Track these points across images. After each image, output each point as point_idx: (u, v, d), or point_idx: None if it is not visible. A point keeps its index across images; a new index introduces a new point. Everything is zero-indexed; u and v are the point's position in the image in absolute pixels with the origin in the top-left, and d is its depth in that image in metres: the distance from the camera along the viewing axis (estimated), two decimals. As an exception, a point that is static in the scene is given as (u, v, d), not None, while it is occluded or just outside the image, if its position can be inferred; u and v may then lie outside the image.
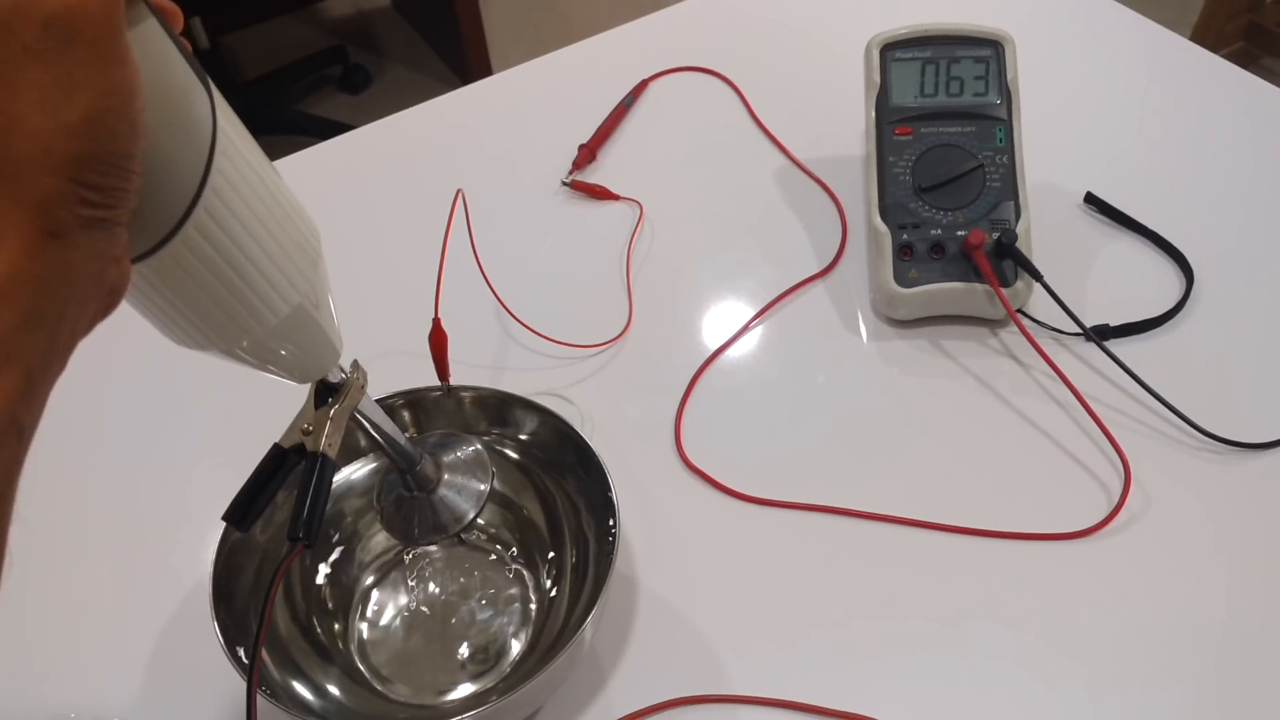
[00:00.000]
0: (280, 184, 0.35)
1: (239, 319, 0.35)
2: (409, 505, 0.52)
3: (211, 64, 2.23)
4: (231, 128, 0.32)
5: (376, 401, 0.57)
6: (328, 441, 0.42)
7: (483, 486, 0.53)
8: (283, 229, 0.35)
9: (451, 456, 0.53)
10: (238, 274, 0.33)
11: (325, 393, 0.43)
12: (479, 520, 0.63)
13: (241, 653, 0.49)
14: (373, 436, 0.47)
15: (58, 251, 0.25)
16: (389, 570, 0.62)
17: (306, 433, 0.42)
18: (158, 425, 0.72)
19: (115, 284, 0.28)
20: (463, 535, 0.52)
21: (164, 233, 0.30)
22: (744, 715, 0.56)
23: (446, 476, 0.52)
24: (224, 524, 0.43)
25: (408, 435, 0.50)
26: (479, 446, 0.54)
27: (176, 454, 0.70)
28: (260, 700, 0.48)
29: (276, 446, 0.43)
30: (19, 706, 0.58)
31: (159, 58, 0.28)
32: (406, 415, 0.61)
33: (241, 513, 0.42)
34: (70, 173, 0.24)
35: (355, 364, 0.45)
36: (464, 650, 0.59)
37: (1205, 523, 0.63)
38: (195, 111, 0.30)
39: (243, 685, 0.47)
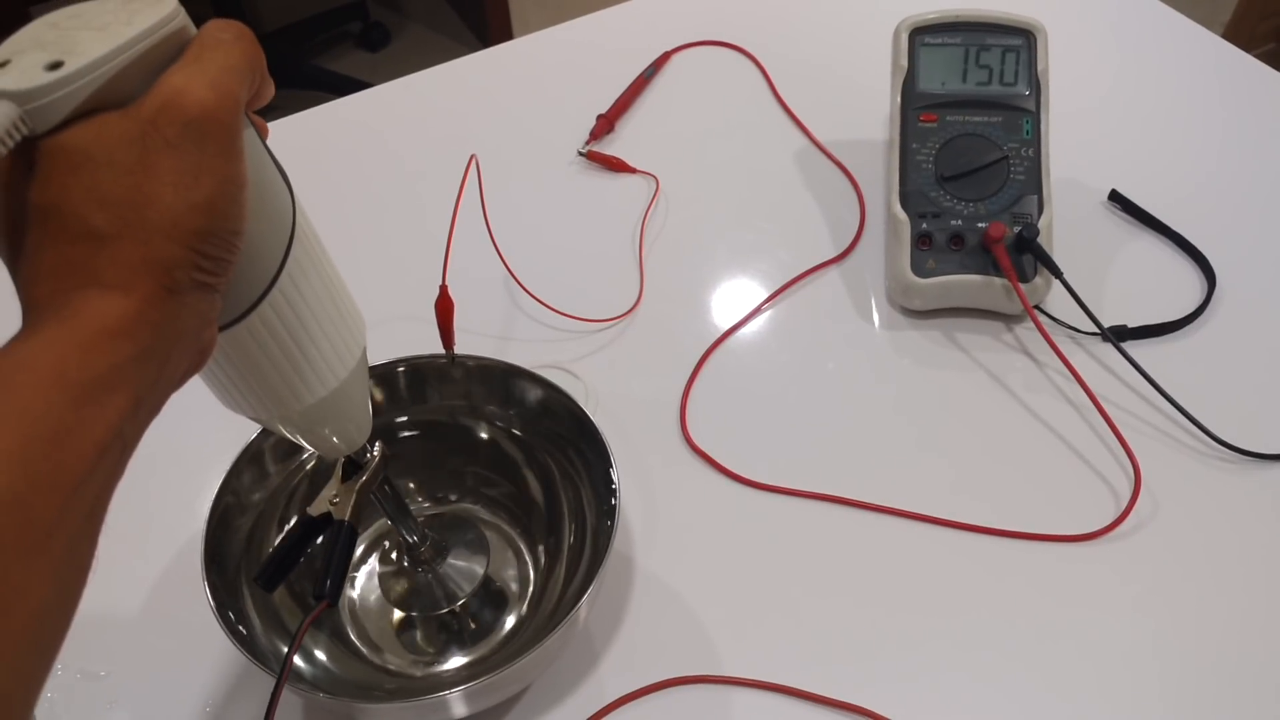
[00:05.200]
0: (338, 276, 0.40)
1: (294, 389, 0.39)
2: (407, 576, 0.58)
3: (231, 15, 2.20)
4: (306, 222, 0.37)
5: (378, 366, 0.58)
6: (352, 513, 0.47)
7: (479, 570, 0.58)
8: (340, 314, 0.40)
9: (453, 537, 0.59)
10: (299, 348, 0.38)
11: (351, 468, 0.48)
12: (479, 491, 0.63)
13: (231, 615, 0.50)
14: (388, 512, 0.53)
15: (172, 305, 0.30)
16: (382, 540, 0.61)
17: (333, 503, 0.47)
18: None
19: (206, 345, 0.33)
20: (455, 610, 0.58)
21: (245, 306, 0.35)
22: (736, 697, 0.56)
23: (448, 559, 0.58)
24: (256, 583, 0.49)
25: (420, 518, 0.56)
26: (479, 529, 0.60)
27: (174, 408, 0.69)
28: (248, 664, 0.48)
29: (305, 514, 0.47)
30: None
31: (256, 158, 0.33)
32: (408, 382, 0.60)
33: (270, 575, 0.47)
34: (191, 242, 0.29)
35: (380, 444, 0.49)
36: (456, 624, 0.58)
37: (1214, 531, 0.62)
38: (280, 204, 0.35)
39: (232, 646, 0.47)
